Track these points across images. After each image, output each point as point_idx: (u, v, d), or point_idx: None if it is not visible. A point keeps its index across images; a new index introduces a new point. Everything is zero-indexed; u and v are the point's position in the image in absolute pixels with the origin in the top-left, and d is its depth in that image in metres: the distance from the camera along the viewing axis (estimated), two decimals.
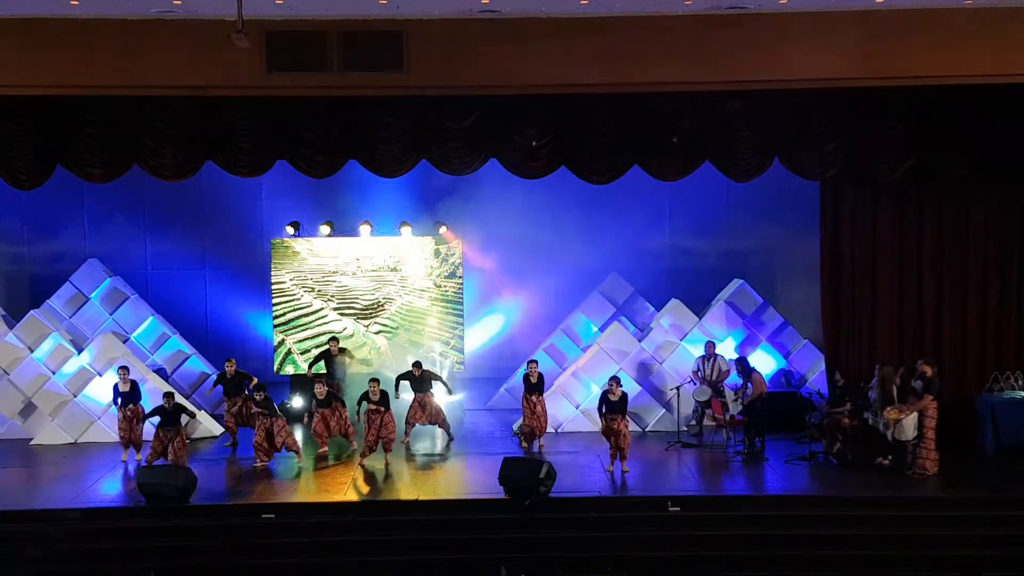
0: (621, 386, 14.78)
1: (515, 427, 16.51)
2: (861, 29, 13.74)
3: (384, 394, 15.17)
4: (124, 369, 15.67)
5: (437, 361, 17.87)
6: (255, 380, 16.03)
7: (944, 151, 15.11)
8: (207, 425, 17.03)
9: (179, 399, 15.58)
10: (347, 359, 17.34)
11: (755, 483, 14.63)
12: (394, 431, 15.15)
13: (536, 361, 16.32)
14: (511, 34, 13.79)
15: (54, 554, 12.71)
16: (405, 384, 16.15)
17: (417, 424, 16.13)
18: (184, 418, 15.03)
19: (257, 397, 15.15)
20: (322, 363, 17.24)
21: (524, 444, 15.89)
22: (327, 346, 17.45)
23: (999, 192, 16.02)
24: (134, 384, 15.58)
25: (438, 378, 16.44)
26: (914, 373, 14.62)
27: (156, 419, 14.82)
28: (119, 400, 15.45)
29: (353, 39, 13.72)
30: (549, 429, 16.65)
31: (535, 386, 15.80)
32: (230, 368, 16.30)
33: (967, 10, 13.61)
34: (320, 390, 15.55)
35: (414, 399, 16.18)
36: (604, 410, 14.63)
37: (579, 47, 13.81)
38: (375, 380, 15.35)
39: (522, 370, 16.60)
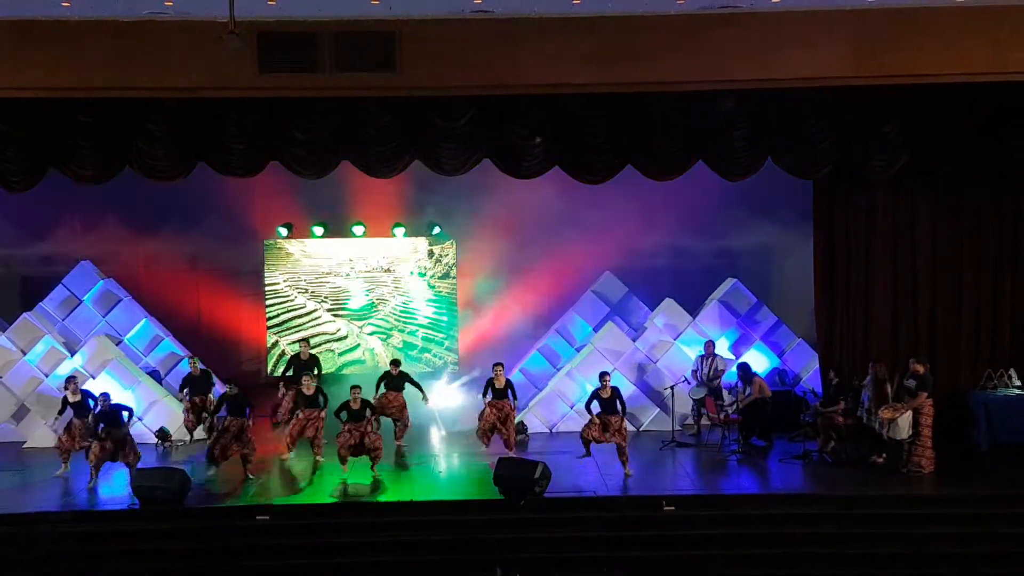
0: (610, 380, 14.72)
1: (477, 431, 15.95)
2: (854, 27, 13.75)
3: (365, 403, 14.56)
4: (71, 380, 15.10)
5: (431, 362, 17.87)
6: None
7: (937, 150, 15.12)
8: (200, 427, 16.94)
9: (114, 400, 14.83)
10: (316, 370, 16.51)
11: (750, 482, 14.66)
12: (380, 444, 14.51)
13: (501, 364, 15.77)
14: (503, 34, 13.78)
15: (49, 557, 12.64)
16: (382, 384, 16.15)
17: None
18: (127, 416, 14.53)
19: (231, 391, 14.55)
20: (292, 370, 16.74)
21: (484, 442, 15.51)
22: (298, 351, 17.05)
23: (993, 190, 16.05)
24: (84, 395, 14.93)
25: (415, 383, 16.34)
26: (907, 372, 14.66)
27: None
28: (69, 411, 14.82)
29: (345, 40, 13.69)
30: (543, 429, 16.67)
31: (501, 391, 15.39)
32: (194, 366, 16.01)
33: (960, 8, 13.62)
34: (308, 385, 15.14)
35: (378, 401, 15.99)
36: (598, 410, 14.52)
37: (572, 47, 13.80)
38: (356, 387, 14.67)
39: (516, 373, 16.50)
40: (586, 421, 14.71)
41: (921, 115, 14.93)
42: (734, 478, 14.78)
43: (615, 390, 14.63)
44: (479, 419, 15.65)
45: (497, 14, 13.60)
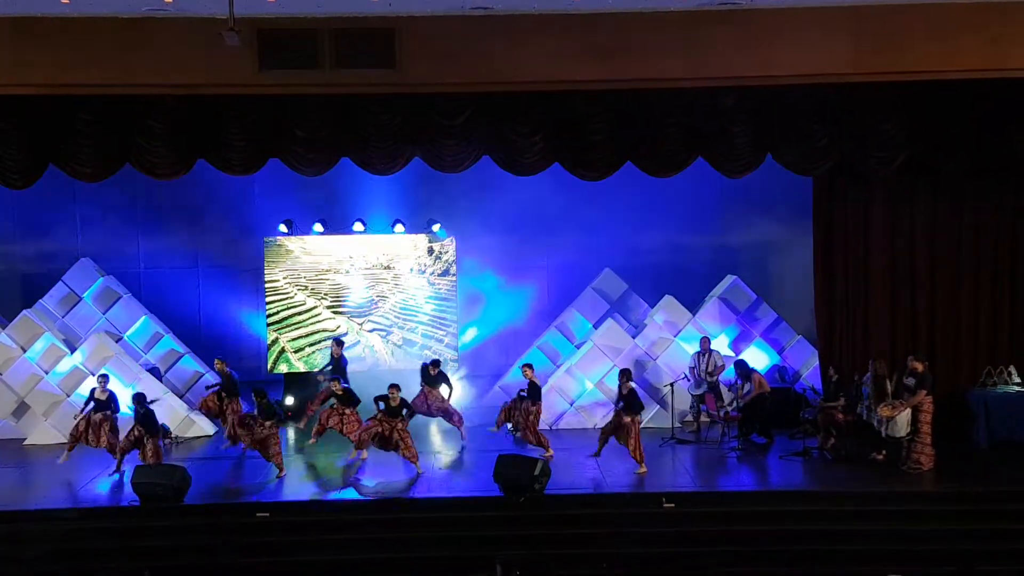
0: (631, 380, 14.95)
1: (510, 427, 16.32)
2: (853, 24, 13.74)
3: (403, 402, 14.81)
4: (104, 377, 15.29)
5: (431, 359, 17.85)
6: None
7: (937, 147, 15.10)
8: (200, 424, 16.99)
9: (152, 404, 15.17)
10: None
11: (749, 479, 14.66)
12: (410, 443, 14.64)
13: (529, 365, 16.04)
14: (503, 31, 13.77)
15: (49, 554, 12.67)
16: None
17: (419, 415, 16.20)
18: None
19: (260, 401, 14.74)
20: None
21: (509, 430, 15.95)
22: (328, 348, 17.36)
23: (992, 188, 16.03)
24: (112, 395, 15.14)
25: (448, 383, 16.58)
26: (906, 369, 14.66)
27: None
28: (92, 404, 14.98)
29: (345, 37, 13.69)
30: (543, 426, 16.63)
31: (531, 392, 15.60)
32: (220, 367, 16.29)
33: (959, 5, 13.62)
34: (337, 386, 15.36)
35: (421, 391, 16.30)
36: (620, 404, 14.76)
37: (571, 43, 13.79)
38: (395, 386, 14.87)
39: (516, 369, 16.64)
40: (584, 418, 14.78)
41: (920, 112, 14.91)
42: (734, 475, 14.79)
43: (632, 390, 14.77)
44: None
45: (497, 11, 13.59)
